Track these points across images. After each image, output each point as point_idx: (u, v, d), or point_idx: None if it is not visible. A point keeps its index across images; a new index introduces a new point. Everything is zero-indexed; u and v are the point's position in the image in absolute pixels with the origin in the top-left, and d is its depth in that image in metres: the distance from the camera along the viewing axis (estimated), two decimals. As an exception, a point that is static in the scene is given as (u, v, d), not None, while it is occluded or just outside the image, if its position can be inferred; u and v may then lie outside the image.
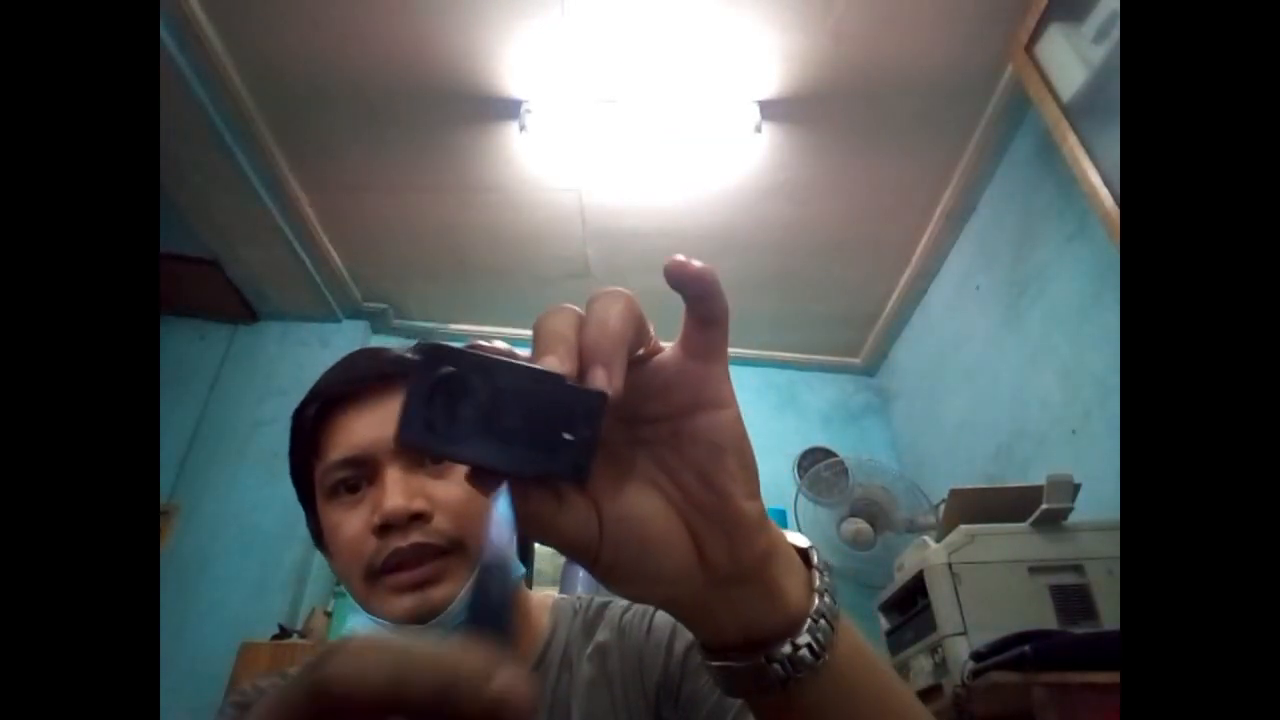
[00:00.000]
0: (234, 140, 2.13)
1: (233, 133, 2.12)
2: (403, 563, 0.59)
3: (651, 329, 0.30)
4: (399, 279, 2.84)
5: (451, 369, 0.25)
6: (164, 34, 1.79)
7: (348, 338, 2.90)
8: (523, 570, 0.69)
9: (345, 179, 2.38)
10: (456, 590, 0.59)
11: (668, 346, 0.31)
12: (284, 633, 2.14)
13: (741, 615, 0.32)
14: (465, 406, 0.25)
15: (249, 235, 2.46)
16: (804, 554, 0.35)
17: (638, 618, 0.67)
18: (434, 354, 0.25)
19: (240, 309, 2.81)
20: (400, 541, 0.59)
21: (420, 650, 0.19)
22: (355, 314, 2.95)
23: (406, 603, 0.58)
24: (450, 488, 0.62)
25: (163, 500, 2.42)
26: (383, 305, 2.95)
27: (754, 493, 0.31)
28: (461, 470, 0.26)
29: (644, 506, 0.30)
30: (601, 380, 0.26)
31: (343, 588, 2.34)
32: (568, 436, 0.26)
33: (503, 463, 0.26)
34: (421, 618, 0.58)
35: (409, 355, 0.68)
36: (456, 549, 0.60)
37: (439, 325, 2.99)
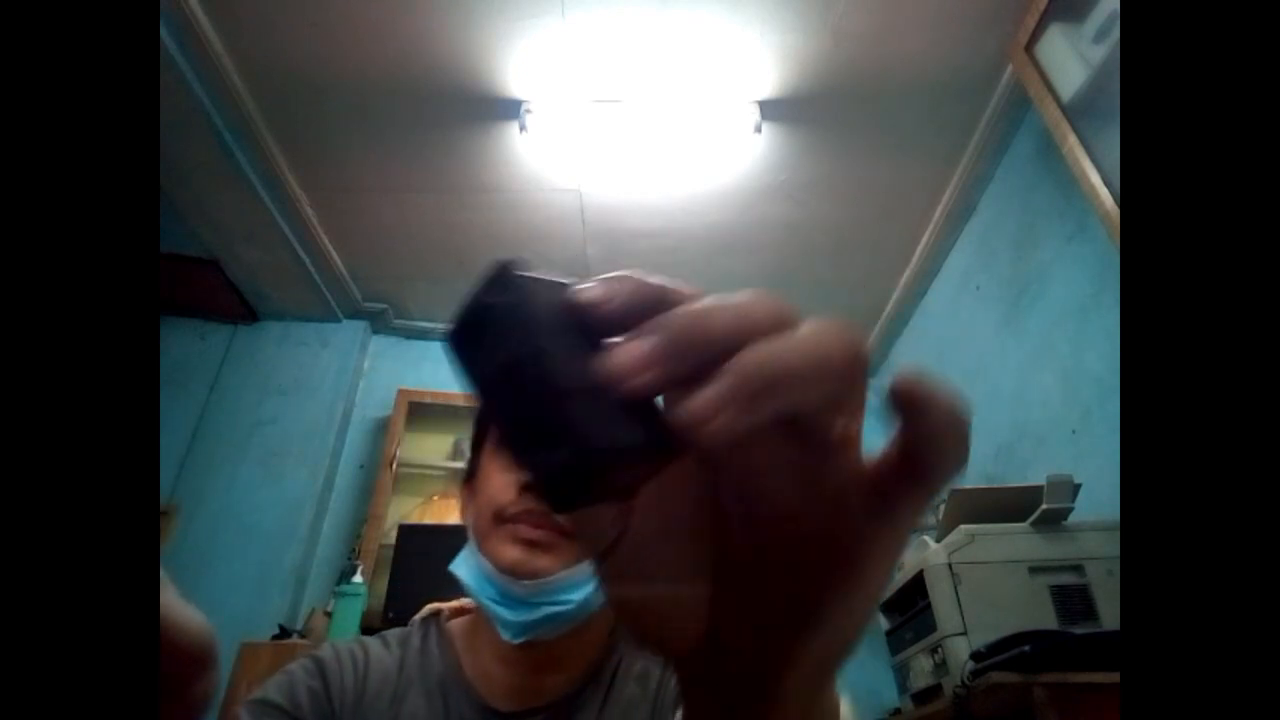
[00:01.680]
0: (234, 140, 2.13)
1: (233, 133, 2.12)
2: (529, 520, 0.65)
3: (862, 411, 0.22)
4: (399, 279, 2.84)
5: (507, 302, 0.21)
6: (164, 34, 1.79)
7: (348, 338, 2.90)
8: None
9: (345, 179, 2.38)
10: (557, 568, 0.64)
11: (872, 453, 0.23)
12: (284, 633, 2.14)
13: None
14: (498, 343, 0.21)
15: (249, 235, 2.45)
16: None
17: None
18: (503, 277, 0.21)
19: (240, 309, 2.81)
20: (535, 505, 0.64)
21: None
22: (355, 314, 2.95)
23: (514, 553, 0.64)
24: None
25: (163, 500, 2.42)
26: (383, 305, 2.96)
27: (815, 675, 0.23)
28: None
29: (673, 566, 0.24)
30: (698, 408, 0.17)
31: (342, 588, 2.34)
32: (544, 451, 0.19)
33: (502, 416, 0.21)
34: (519, 573, 0.64)
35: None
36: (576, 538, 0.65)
37: (439, 325, 2.99)
